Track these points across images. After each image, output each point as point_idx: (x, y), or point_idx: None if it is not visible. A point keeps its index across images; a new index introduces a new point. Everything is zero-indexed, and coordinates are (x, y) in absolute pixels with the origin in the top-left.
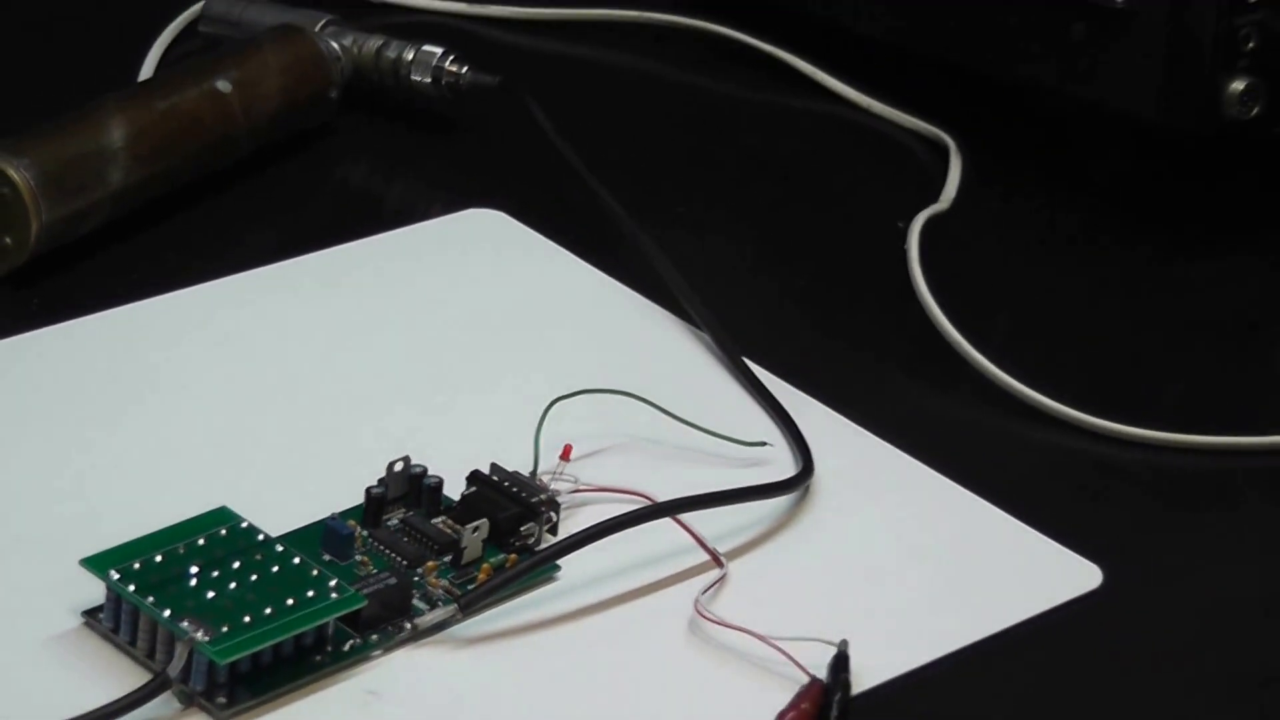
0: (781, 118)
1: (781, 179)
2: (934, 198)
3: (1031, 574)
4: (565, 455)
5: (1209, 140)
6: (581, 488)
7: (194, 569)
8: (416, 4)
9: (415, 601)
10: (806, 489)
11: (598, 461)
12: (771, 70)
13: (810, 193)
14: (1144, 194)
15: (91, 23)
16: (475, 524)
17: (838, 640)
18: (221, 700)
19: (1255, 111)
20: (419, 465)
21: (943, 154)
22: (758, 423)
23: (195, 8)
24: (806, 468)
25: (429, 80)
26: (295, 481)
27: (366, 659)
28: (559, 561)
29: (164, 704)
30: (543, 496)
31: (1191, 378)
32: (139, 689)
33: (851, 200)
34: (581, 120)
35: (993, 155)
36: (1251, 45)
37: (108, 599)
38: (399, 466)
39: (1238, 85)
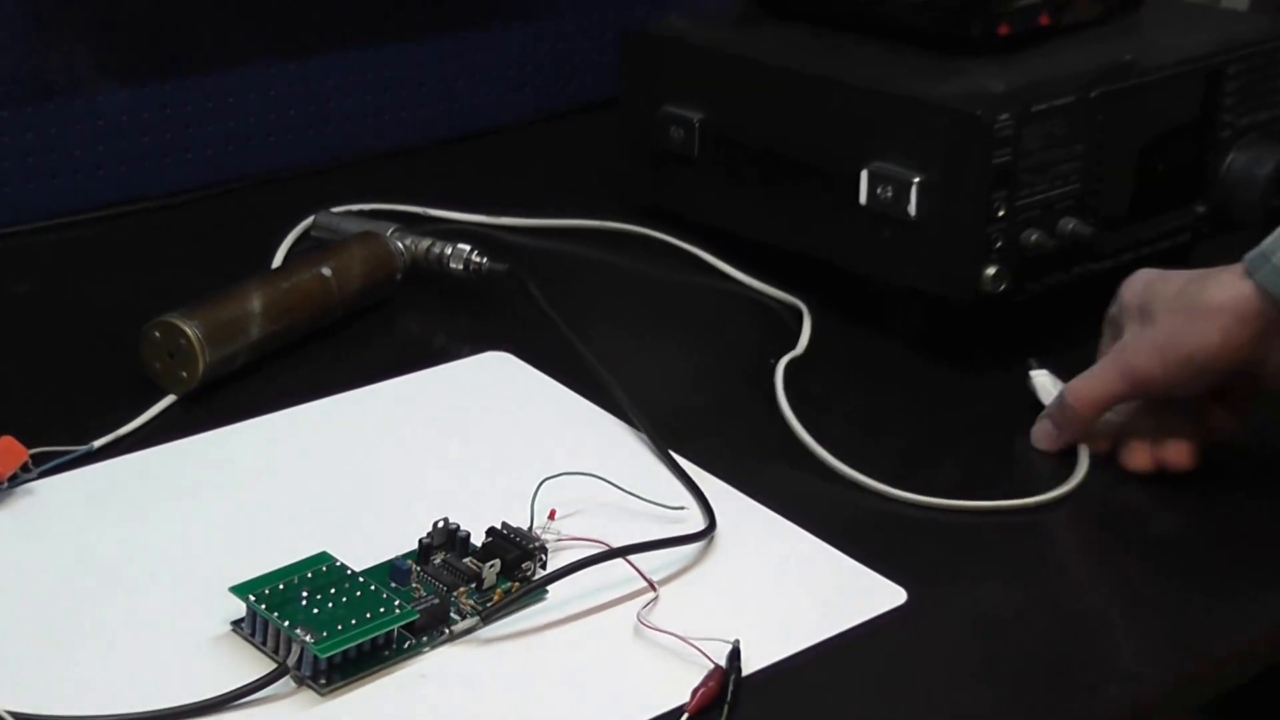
0: (694, 291)
1: (694, 331)
2: (793, 345)
3: (858, 594)
4: (551, 516)
5: (973, 305)
6: (562, 538)
7: (304, 593)
8: (453, 217)
9: (452, 614)
10: (711, 538)
11: (572, 520)
12: (689, 259)
13: (711, 340)
14: (932, 339)
15: (242, 229)
16: (492, 562)
17: (732, 640)
18: (322, 682)
19: (1002, 287)
20: (454, 523)
21: (798, 315)
22: (678, 493)
23: (310, 219)
24: (711, 524)
25: (461, 266)
26: (371, 535)
27: (419, 654)
28: (547, 588)
29: (283, 685)
30: (536, 544)
31: (964, 461)
32: (267, 674)
33: (738, 345)
34: (563, 294)
35: (833, 316)
36: (999, 245)
37: (248, 613)
38: (441, 524)
39: (990, 270)
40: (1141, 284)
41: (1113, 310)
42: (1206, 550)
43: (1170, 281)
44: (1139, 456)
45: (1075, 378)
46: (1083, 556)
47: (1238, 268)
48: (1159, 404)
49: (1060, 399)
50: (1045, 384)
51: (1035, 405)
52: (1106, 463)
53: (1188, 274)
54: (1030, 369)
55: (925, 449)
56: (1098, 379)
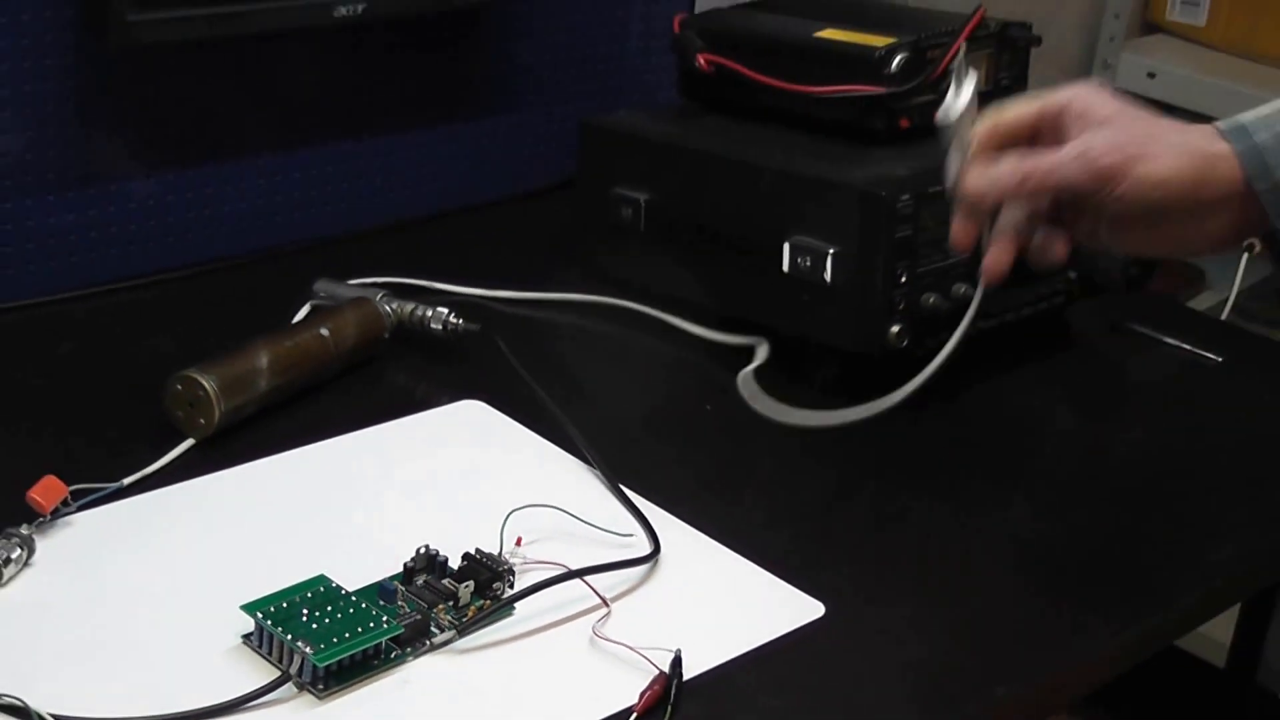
0: (643, 347)
1: (642, 383)
2: (732, 385)
3: (783, 608)
4: (518, 543)
5: (880, 359)
6: (527, 561)
7: (304, 610)
8: (433, 285)
9: (432, 628)
10: (656, 560)
11: (536, 546)
12: (640, 319)
13: (657, 389)
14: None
15: (251, 296)
16: (466, 583)
17: (674, 649)
18: (320, 687)
19: (904, 343)
20: (434, 549)
21: (744, 359)
22: (627, 521)
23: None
24: (656, 548)
25: (440, 327)
26: (362, 560)
27: (404, 662)
28: (515, 605)
29: (287, 690)
30: (505, 567)
31: (871, 493)
32: (273, 681)
33: (680, 394)
34: (528, 351)
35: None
36: (902, 306)
37: (256, 628)
38: (422, 550)
39: (894, 329)
40: (1110, 104)
41: (1061, 104)
42: (1083, 565)
43: (1140, 119)
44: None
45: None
46: (974, 573)
47: (1208, 129)
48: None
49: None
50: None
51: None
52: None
53: (1155, 118)
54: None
55: (839, 482)
56: (1058, 159)
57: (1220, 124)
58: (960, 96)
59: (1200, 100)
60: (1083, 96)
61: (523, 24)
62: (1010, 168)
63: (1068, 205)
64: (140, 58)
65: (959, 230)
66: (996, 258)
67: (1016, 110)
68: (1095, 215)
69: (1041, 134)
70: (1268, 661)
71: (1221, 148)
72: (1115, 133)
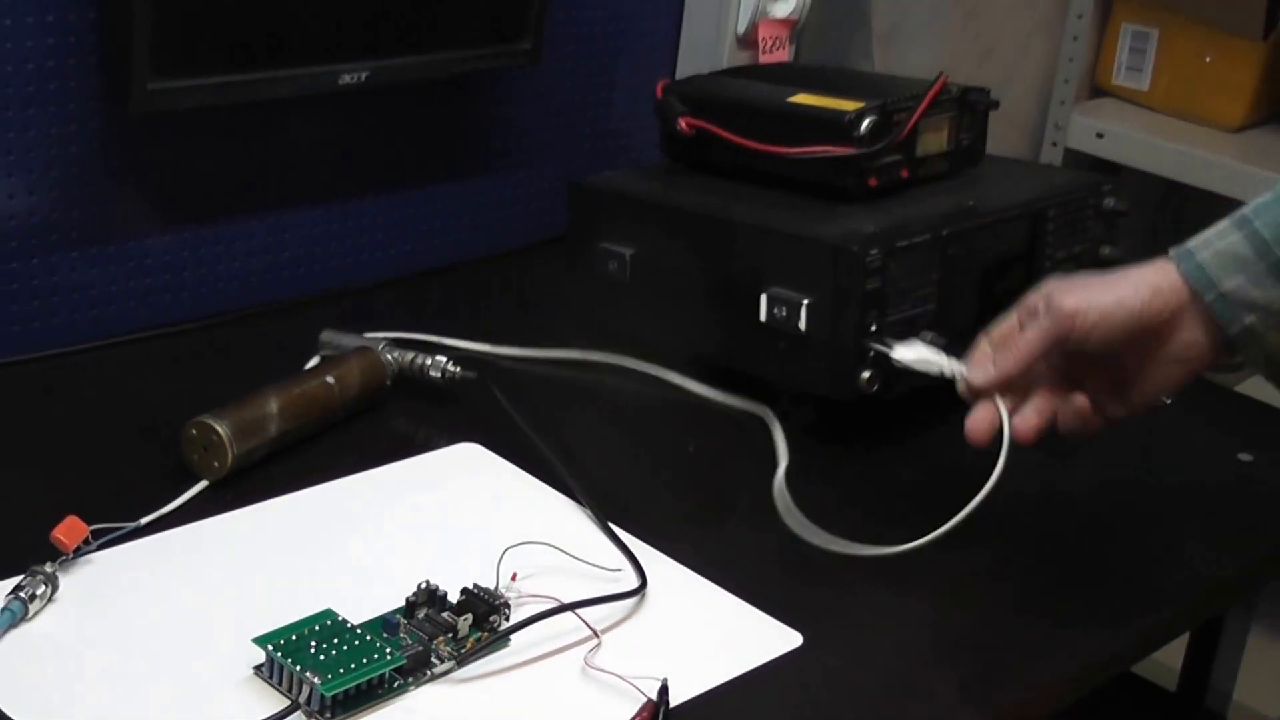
0: (633, 394)
1: (630, 426)
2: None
3: (763, 638)
4: (513, 578)
5: (852, 403)
6: (522, 595)
7: (313, 642)
8: (430, 339)
9: (432, 659)
10: (643, 594)
11: (531, 581)
12: (629, 373)
13: (644, 433)
14: (819, 430)
15: (261, 346)
16: (465, 616)
17: (661, 677)
18: (328, 716)
19: (875, 388)
20: (434, 584)
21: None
22: (616, 557)
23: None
24: (643, 583)
25: (439, 375)
26: (366, 595)
27: (406, 692)
28: (511, 637)
29: (297, 718)
30: (502, 601)
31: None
32: (283, 710)
33: (665, 437)
34: (522, 397)
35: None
36: (872, 354)
37: (267, 660)
38: (423, 585)
39: (865, 375)
40: (1056, 280)
41: (1030, 300)
42: (1043, 595)
43: (1099, 275)
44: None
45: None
46: (941, 603)
47: (1159, 260)
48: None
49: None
50: (911, 356)
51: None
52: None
53: (1114, 272)
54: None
55: (815, 516)
56: (1030, 326)
57: (1170, 251)
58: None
59: (1144, 158)
60: (1050, 284)
61: (516, 89)
62: (1001, 352)
63: (1078, 375)
64: (159, 122)
65: (974, 422)
66: (1021, 422)
67: (1001, 322)
68: (1101, 372)
69: (1025, 326)
70: (1215, 685)
71: (1169, 269)
72: (1075, 283)
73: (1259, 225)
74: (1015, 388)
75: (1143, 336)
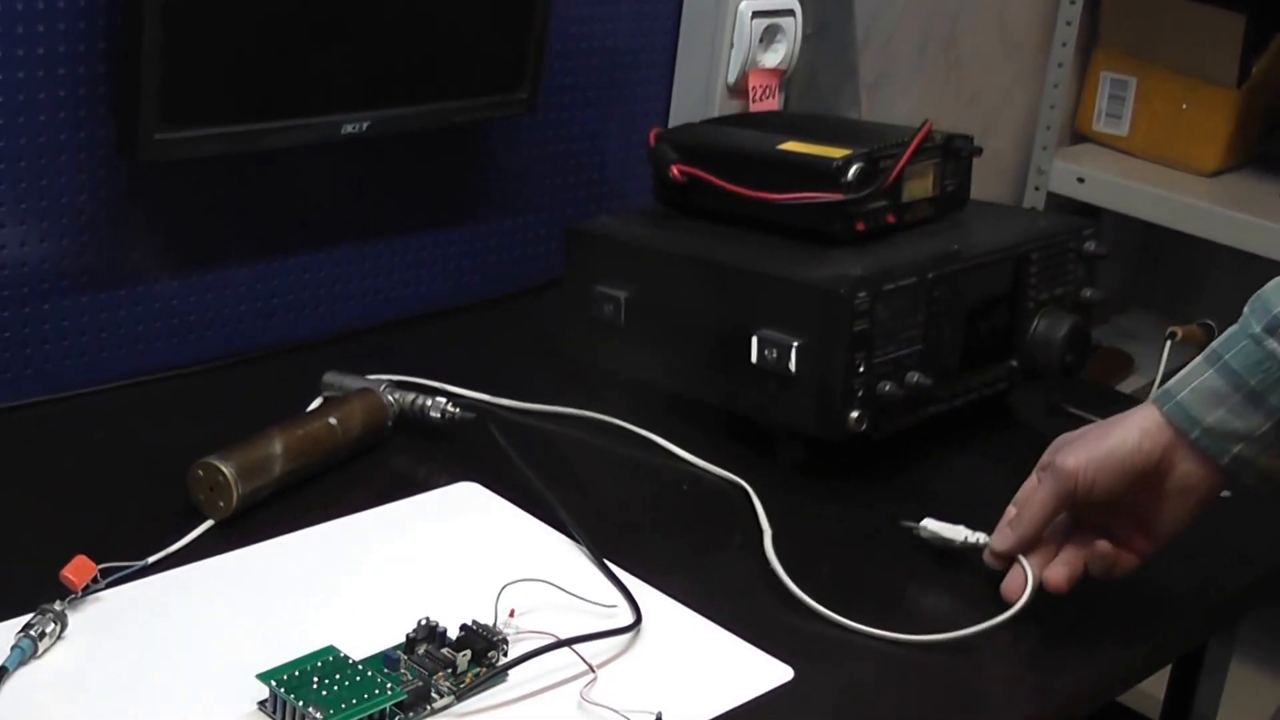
0: (629, 442)
1: (625, 466)
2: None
3: (755, 672)
4: (511, 615)
5: (841, 442)
6: (520, 631)
7: (315, 678)
8: (430, 383)
9: (433, 694)
10: (638, 629)
11: (528, 617)
12: (632, 438)
13: (640, 472)
14: (810, 469)
15: (266, 387)
16: (464, 652)
17: (655, 712)
18: None
19: (863, 427)
20: (434, 621)
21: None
22: (611, 594)
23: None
24: (638, 618)
25: (438, 415)
26: (368, 631)
27: None
28: (509, 672)
29: None
30: (499, 637)
31: (836, 570)
32: None
33: (660, 476)
34: (519, 437)
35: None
36: (860, 394)
37: (270, 695)
38: (423, 621)
39: (854, 414)
40: (1064, 435)
41: (1044, 459)
42: (1033, 628)
43: (1097, 424)
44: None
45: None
46: (931, 636)
47: (1145, 404)
48: (1067, 531)
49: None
50: (937, 530)
51: (928, 549)
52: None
53: (1111, 419)
54: (913, 527)
55: (804, 553)
56: (1038, 488)
57: (1153, 394)
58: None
59: (1124, 202)
60: (1057, 441)
61: (515, 137)
62: (1019, 516)
63: (1101, 520)
64: (166, 169)
65: (1009, 584)
66: (1052, 574)
67: (1020, 492)
68: (1120, 514)
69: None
70: (1198, 712)
71: (1153, 412)
72: (1073, 441)
73: (1229, 359)
74: (1043, 541)
75: (1142, 477)
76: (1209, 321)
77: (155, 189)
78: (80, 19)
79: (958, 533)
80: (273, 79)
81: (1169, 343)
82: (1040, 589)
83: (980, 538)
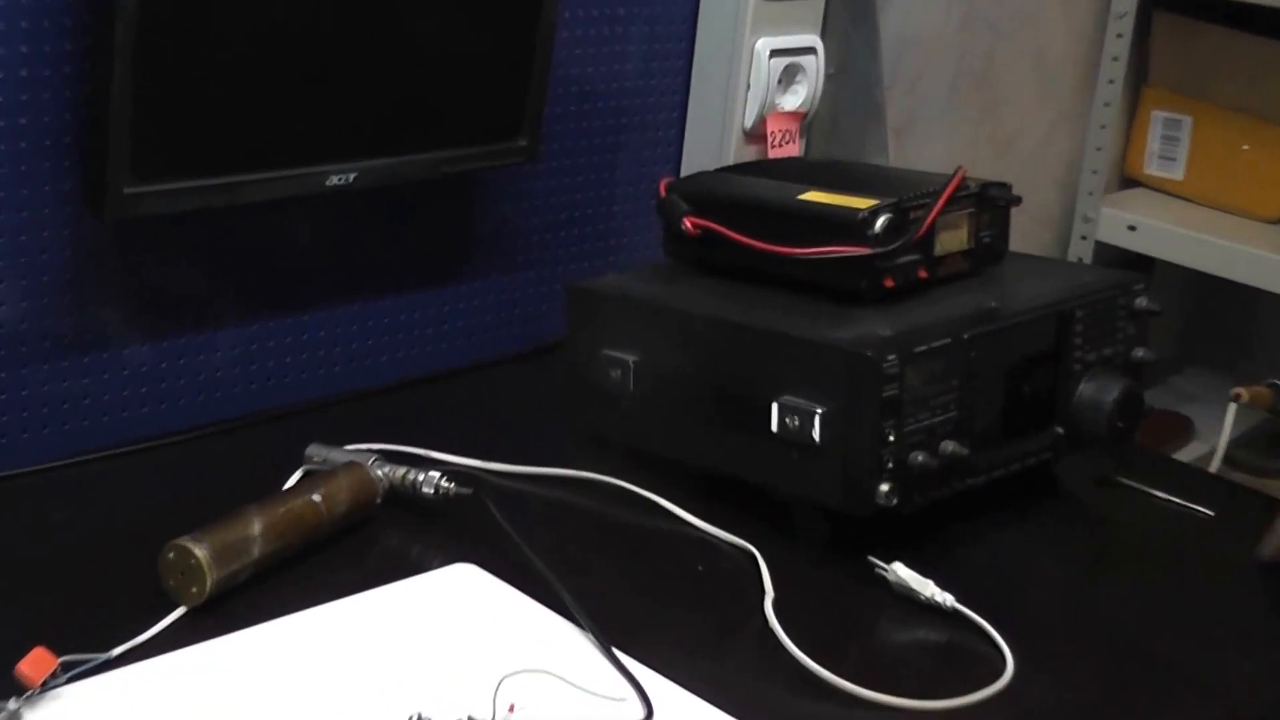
0: (636, 518)
1: (633, 549)
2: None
3: None
4: (511, 710)
5: (868, 517)
6: None
7: None
8: (422, 453)
9: None
10: None
11: (529, 712)
12: (632, 497)
13: (649, 557)
14: (834, 545)
15: (244, 460)
16: None
17: None
18: None
19: (894, 502)
20: (427, 717)
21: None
22: (620, 685)
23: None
24: (649, 713)
25: (432, 491)
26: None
27: None
28: None
29: None
30: None
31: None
32: None
33: (670, 561)
34: (520, 515)
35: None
36: (890, 465)
37: None
38: (415, 717)
39: (883, 487)
40: None
41: None
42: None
43: None
44: None
45: None
46: None
47: None
48: None
49: None
50: (905, 577)
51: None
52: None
53: None
54: (882, 569)
55: (827, 638)
56: None
57: None
58: None
59: (1180, 252)
60: None
61: (511, 187)
62: None
63: None
64: (137, 227)
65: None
66: None
67: None
68: None
69: None
70: None
71: None
72: None
73: None
74: None
75: None
76: (1277, 381)
77: (123, 246)
78: (45, 65)
79: (925, 586)
80: (252, 127)
81: (1233, 405)
82: None
83: (948, 599)
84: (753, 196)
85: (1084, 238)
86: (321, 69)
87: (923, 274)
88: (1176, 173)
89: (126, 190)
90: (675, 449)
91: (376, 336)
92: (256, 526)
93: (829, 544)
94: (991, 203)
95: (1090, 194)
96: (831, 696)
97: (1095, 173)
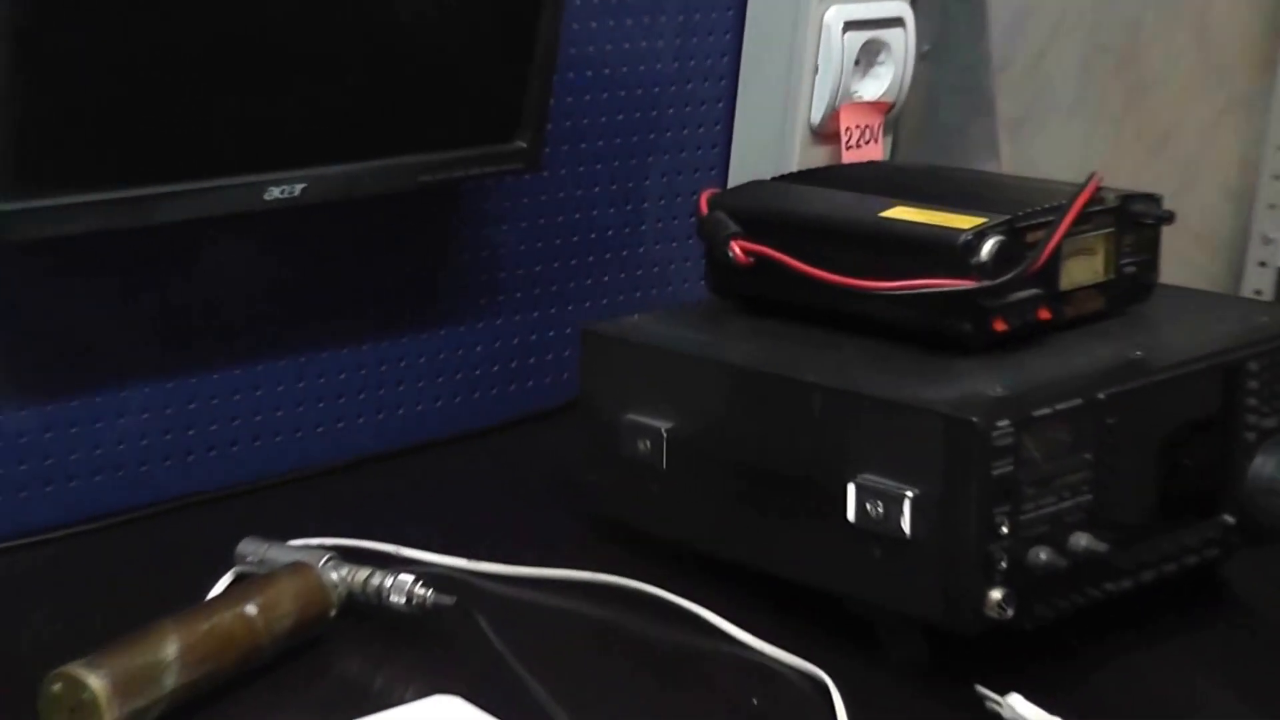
0: (665, 636)
1: (664, 676)
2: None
3: None
4: None
5: (977, 633)
6: None
7: None
8: (389, 550)
9: None
10: None
11: None
12: (657, 604)
13: (685, 685)
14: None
15: (156, 558)
16: None
17: None
18: None
19: (1009, 613)
20: None
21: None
22: None
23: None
24: None
25: (403, 600)
26: None
27: None
28: None
29: None
30: None
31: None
32: None
33: (704, 688)
34: (518, 631)
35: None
36: (1004, 565)
37: None
38: None
39: (995, 594)
40: None
41: None
42: None
43: None
44: None
45: None
46: None
47: None
48: None
49: None
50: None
51: None
52: None
53: None
54: (995, 702)
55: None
56: None
57: None
58: None
59: None
60: None
61: (508, 204)
62: None
63: None
64: (13, 257)
65: None
66: None
67: None
68: None
69: None
70: None
71: None
72: None
73: None
74: None
75: None
76: None
77: (5, 278)
78: None
79: None
80: (168, 125)
81: None
82: None
83: None
84: (821, 214)
85: (1263, 264)
86: (261, 55)
87: (1045, 314)
88: None
89: (7, 206)
90: (721, 544)
91: (331, 399)
92: (172, 649)
93: (924, 669)
94: (1136, 220)
95: (1272, 207)
96: None
97: (1277, 179)
